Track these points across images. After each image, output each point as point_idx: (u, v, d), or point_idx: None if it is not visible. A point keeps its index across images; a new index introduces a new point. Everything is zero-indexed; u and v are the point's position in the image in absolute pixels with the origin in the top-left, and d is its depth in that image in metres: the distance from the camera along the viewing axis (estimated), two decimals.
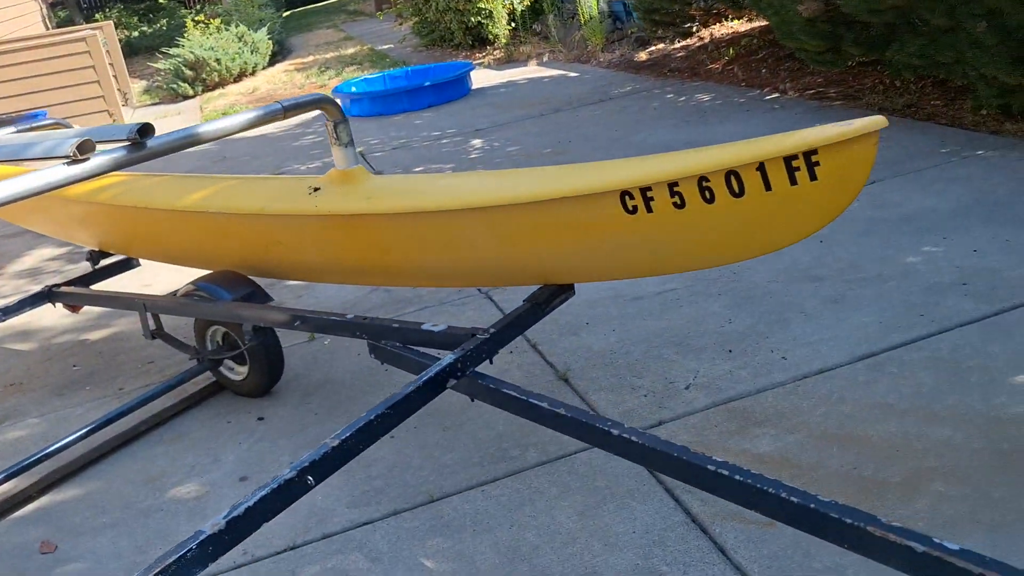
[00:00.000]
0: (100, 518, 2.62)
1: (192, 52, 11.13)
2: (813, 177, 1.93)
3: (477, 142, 6.44)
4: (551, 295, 2.47)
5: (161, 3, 19.72)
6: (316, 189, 2.73)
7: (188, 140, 2.36)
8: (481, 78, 8.94)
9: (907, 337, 2.79)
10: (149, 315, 3.23)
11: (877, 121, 1.83)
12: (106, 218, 3.40)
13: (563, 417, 1.98)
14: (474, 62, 10.05)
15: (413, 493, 2.46)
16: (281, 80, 11.05)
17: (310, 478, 1.80)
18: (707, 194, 2.04)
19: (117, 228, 3.44)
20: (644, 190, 2.09)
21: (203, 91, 11.14)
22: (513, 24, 10.26)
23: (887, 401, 2.48)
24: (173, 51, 11.33)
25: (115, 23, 19.16)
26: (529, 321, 2.41)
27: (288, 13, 21.17)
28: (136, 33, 17.40)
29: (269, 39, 12.39)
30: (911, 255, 3.36)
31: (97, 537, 2.52)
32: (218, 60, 11.19)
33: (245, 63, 11.56)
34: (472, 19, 10.20)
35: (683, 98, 6.70)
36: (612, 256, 2.32)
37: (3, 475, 2.68)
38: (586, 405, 2.76)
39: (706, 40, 8.33)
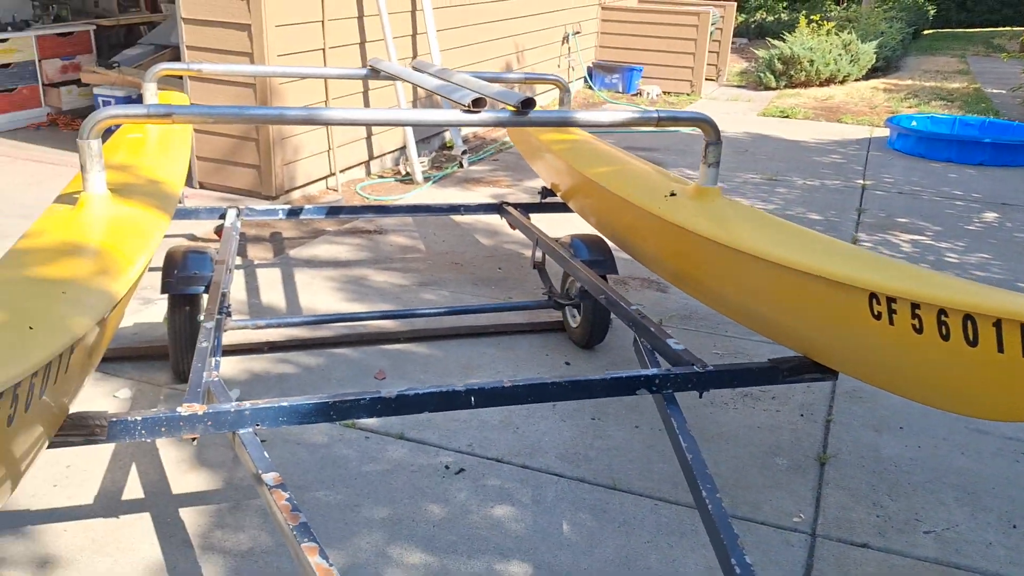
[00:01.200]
0: (421, 375, 3.40)
1: (791, 48, 11.48)
2: None
3: (990, 216, 5.76)
4: (801, 368, 2.44)
5: None
6: (672, 194, 3.01)
7: (562, 119, 2.85)
8: None
9: None
10: (539, 250, 3.88)
11: None
12: (550, 163, 4.11)
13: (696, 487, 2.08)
14: None
15: (607, 474, 2.72)
16: (860, 95, 10.83)
17: (473, 399, 2.23)
18: (943, 329, 1.89)
19: (554, 173, 4.14)
20: (890, 300, 1.99)
21: (785, 87, 11.48)
22: None
23: None
24: (776, 43, 11.82)
25: (758, 4, 20.40)
26: (759, 379, 2.43)
27: (931, 32, 20.01)
28: (771, 18, 18.28)
29: (875, 53, 12.09)
30: None
31: (408, 384, 3.30)
32: (811, 61, 11.37)
33: (837, 70, 11.53)
34: None
35: None
36: (861, 355, 2.23)
37: (381, 314, 3.62)
38: (813, 492, 2.65)
39: None
